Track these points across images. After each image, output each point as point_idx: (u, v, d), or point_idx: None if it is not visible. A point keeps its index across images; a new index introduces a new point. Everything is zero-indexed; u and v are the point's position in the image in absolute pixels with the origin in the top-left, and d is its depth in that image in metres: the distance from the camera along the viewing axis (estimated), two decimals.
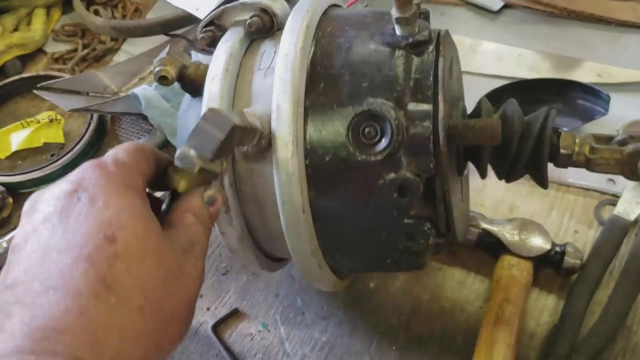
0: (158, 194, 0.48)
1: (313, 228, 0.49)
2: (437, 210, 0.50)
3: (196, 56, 0.83)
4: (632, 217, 0.71)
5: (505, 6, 0.95)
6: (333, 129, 0.47)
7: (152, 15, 0.99)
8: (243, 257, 0.54)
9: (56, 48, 0.96)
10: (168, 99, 0.78)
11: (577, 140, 0.54)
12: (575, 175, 0.76)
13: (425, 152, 0.46)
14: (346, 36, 0.50)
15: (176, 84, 0.75)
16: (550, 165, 0.74)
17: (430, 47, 0.48)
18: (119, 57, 0.94)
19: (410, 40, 0.48)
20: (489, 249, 0.69)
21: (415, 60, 0.48)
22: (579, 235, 0.72)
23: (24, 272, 0.35)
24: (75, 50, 0.93)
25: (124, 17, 0.97)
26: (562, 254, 0.66)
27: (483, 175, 0.56)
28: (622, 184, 0.75)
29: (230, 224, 0.51)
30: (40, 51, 0.97)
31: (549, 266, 0.67)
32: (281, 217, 0.48)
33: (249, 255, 0.54)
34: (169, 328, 0.38)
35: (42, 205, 0.38)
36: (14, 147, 0.84)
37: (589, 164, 0.55)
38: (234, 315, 0.68)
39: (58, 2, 0.99)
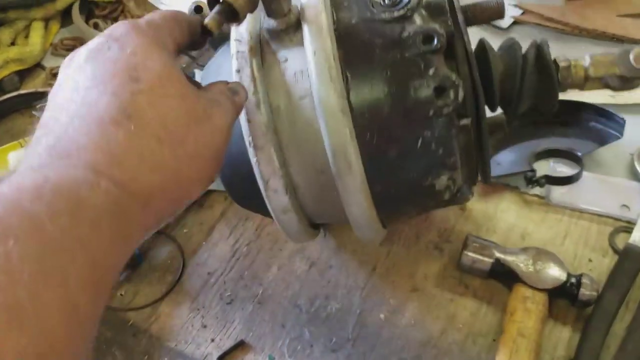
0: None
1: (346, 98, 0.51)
2: (459, 70, 0.52)
3: (199, 75, 0.81)
4: None
5: (515, 23, 0.93)
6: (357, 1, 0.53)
7: None
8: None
9: (55, 62, 0.94)
10: None
11: (571, 60, 0.61)
12: (589, 201, 0.74)
13: (443, 11, 0.52)
14: None
15: None
16: (562, 189, 0.73)
17: None
18: None
19: None
20: (502, 279, 0.68)
21: None
22: (593, 264, 0.70)
23: (53, 110, 0.38)
24: None
25: None
26: (578, 285, 0.65)
27: (493, 107, 0.60)
28: (637, 210, 0.73)
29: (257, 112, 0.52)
30: (38, 66, 0.94)
31: (564, 297, 0.65)
32: (315, 82, 0.50)
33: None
34: (190, 167, 0.40)
35: (77, 56, 0.41)
36: (12, 168, 0.81)
37: (587, 74, 0.60)
38: (240, 347, 0.66)
39: (57, 15, 0.97)
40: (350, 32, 0.52)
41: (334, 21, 0.52)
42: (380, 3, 0.52)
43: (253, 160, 0.53)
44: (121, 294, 0.71)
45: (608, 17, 0.93)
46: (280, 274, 0.71)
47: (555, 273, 0.65)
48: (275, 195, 0.54)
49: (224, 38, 0.58)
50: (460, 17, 0.53)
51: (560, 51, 0.82)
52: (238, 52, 0.53)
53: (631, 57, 0.58)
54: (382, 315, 0.67)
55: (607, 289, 0.66)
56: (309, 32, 0.51)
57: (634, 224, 0.72)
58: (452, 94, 0.50)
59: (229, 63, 0.54)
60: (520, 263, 0.66)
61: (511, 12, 0.93)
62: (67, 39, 0.96)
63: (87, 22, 0.94)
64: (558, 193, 0.75)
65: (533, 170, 0.74)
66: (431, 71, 0.50)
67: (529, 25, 0.92)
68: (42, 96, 0.87)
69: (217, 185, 0.75)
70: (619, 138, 0.76)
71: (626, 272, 0.67)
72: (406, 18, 0.51)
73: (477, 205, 0.75)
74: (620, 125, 0.76)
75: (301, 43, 0.52)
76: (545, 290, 0.65)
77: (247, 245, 0.74)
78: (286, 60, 0.53)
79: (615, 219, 0.73)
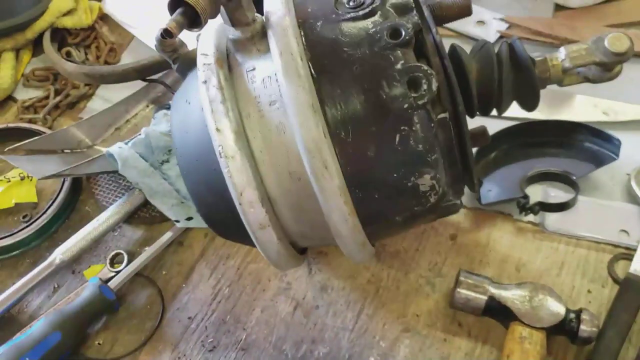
0: None
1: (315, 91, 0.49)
2: (431, 62, 0.51)
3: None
4: None
5: (502, 37, 0.89)
6: (320, 5, 0.53)
7: (128, 55, 0.93)
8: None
9: (26, 95, 0.90)
10: (145, 157, 0.72)
11: (546, 55, 0.59)
12: (586, 227, 0.71)
13: (408, 8, 0.52)
14: None
15: (152, 140, 0.70)
16: (557, 215, 0.70)
17: None
18: (94, 103, 0.88)
19: None
20: (497, 317, 0.64)
21: None
22: (592, 295, 0.67)
23: None
24: (47, 97, 0.87)
25: (98, 57, 0.91)
26: (578, 321, 0.61)
27: (471, 112, 0.58)
28: (636, 236, 0.70)
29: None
30: (10, 98, 0.91)
31: (563, 334, 0.62)
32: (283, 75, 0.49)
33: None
34: None
35: None
36: None
37: (564, 67, 0.58)
38: None
39: (28, 44, 0.93)
40: (316, 33, 0.52)
41: (299, 24, 0.52)
42: (345, 5, 0.53)
43: (225, 171, 0.50)
44: (99, 343, 0.68)
45: (597, 29, 0.90)
46: (263, 317, 0.68)
47: (553, 309, 0.62)
48: (250, 208, 0.50)
49: (192, 65, 0.57)
50: (426, 12, 0.53)
51: None
52: (204, 64, 0.52)
53: (606, 42, 0.56)
54: (371, 358, 0.64)
55: (608, 324, 0.63)
56: (273, 35, 0.50)
57: (634, 250, 0.69)
58: (425, 85, 0.49)
59: (196, 80, 0.52)
60: (516, 300, 0.63)
61: (497, 27, 0.90)
62: (38, 69, 0.92)
63: (59, 50, 0.90)
64: (553, 220, 0.71)
65: (526, 197, 0.71)
66: (401, 64, 0.49)
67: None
68: (13, 132, 0.83)
69: (196, 222, 0.72)
70: (615, 159, 0.73)
71: (627, 305, 0.64)
72: (372, 15, 0.52)
73: (468, 235, 0.72)
74: (616, 146, 0.73)
75: (268, 50, 0.51)
76: (543, 329, 0.61)
77: (229, 287, 0.70)
78: (253, 69, 0.52)
79: (614, 246, 0.70)
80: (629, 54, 0.56)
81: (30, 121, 0.85)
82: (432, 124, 0.50)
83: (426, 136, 0.49)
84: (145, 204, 0.74)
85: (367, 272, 0.70)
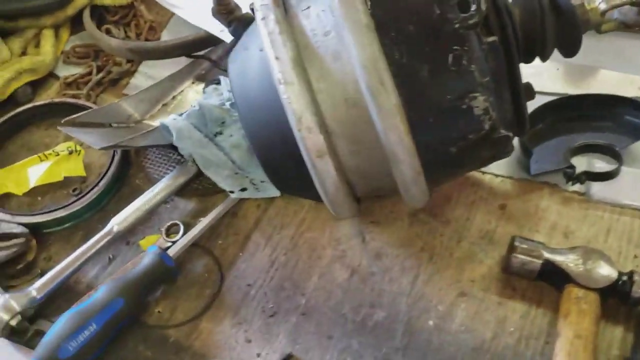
0: None
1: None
2: None
3: (224, 81, 0.79)
4: None
5: None
6: None
7: (167, 33, 0.93)
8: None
9: (67, 71, 0.91)
10: (199, 128, 0.73)
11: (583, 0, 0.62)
12: (630, 196, 0.73)
13: None
14: None
15: (205, 112, 0.72)
16: (602, 185, 0.72)
17: None
18: (137, 80, 0.89)
19: None
20: (551, 280, 0.66)
21: None
22: (637, 261, 0.69)
23: None
24: (89, 73, 0.88)
25: (138, 35, 0.92)
26: (630, 282, 0.63)
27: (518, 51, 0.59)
28: None
29: None
30: (51, 75, 0.91)
31: (616, 297, 0.64)
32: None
33: None
34: None
35: None
36: (33, 183, 0.78)
37: (602, 10, 0.62)
38: None
39: (67, 22, 0.94)
40: None
41: None
42: None
43: (284, 97, 0.52)
44: (159, 311, 0.69)
45: None
46: (321, 283, 0.69)
47: (606, 272, 0.64)
48: (309, 134, 0.53)
49: (247, 26, 0.62)
50: None
51: (587, 45, 0.81)
52: (262, 5, 0.55)
53: None
54: (431, 322, 0.66)
55: None
56: None
57: None
58: (474, 5, 0.52)
59: (255, 34, 0.56)
60: (571, 263, 0.65)
61: None
62: (79, 46, 0.93)
63: (98, 27, 0.91)
64: (598, 189, 0.73)
65: (572, 167, 0.73)
66: None
67: None
68: (58, 107, 0.84)
69: (250, 193, 0.73)
70: None
71: None
72: None
73: (517, 204, 0.74)
74: None
75: None
76: (597, 290, 0.64)
77: (285, 255, 0.72)
78: (308, 7, 0.55)
79: None
80: None
81: (73, 97, 0.85)
82: (483, 46, 0.53)
83: (478, 57, 0.52)
84: (198, 176, 0.75)
85: (420, 240, 0.72)
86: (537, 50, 0.62)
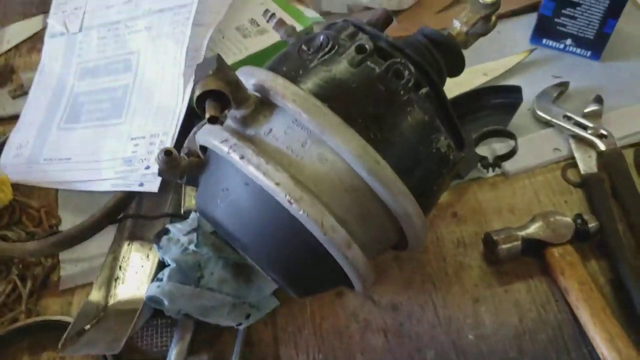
0: None
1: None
2: (395, 55, 0.64)
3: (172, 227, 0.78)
4: (595, 169, 0.85)
5: None
6: (291, 62, 0.64)
7: (65, 212, 0.88)
8: None
9: None
10: (185, 282, 0.72)
11: (449, 31, 0.76)
12: (532, 159, 0.88)
13: (356, 32, 0.65)
14: None
15: (182, 264, 0.72)
16: (510, 162, 0.86)
17: None
18: (67, 271, 0.82)
19: None
20: (531, 252, 0.78)
21: None
22: (570, 204, 0.84)
23: None
24: (14, 289, 0.80)
25: (37, 227, 0.86)
26: (583, 222, 0.78)
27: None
28: (564, 147, 0.89)
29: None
30: None
31: (579, 240, 0.78)
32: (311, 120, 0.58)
33: None
34: None
35: None
36: None
37: (464, 32, 0.75)
38: None
39: None
40: (305, 79, 0.62)
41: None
42: (308, 52, 0.64)
43: (300, 213, 0.57)
44: None
45: (433, 17, 1.09)
46: (367, 356, 0.73)
47: (566, 224, 0.78)
48: (334, 232, 0.58)
49: (201, 169, 0.66)
50: (368, 28, 0.67)
51: None
52: (231, 146, 0.59)
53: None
54: (470, 336, 0.74)
55: (599, 215, 0.80)
56: (277, 93, 0.59)
57: (571, 158, 0.88)
58: (406, 71, 0.63)
59: (227, 167, 0.60)
60: (540, 231, 0.77)
61: None
62: None
63: None
64: (510, 165, 0.87)
65: (485, 157, 0.86)
66: (379, 67, 0.62)
67: None
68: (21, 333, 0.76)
69: (255, 316, 0.75)
70: (521, 101, 0.91)
71: (599, 196, 0.82)
72: (335, 47, 0.63)
73: (463, 207, 0.85)
74: (518, 91, 0.91)
75: (274, 111, 0.61)
76: (568, 242, 0.77)
77: (320, 352, 0.74)
78: (270, 130, 0.61)
79: (556, 162, 0.89)
80: (498, 2, 0.75)
81: (13, 319, 0.77)
82: (423, 99, 0.64)
83: (424, 108, 0.63)
84: (199, 331, 0.74)
85: (417, 276, 0.79)
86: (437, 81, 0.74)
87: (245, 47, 0.91)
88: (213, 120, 0.55)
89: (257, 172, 0.57)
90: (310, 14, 0.98)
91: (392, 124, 0.61)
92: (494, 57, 1.02)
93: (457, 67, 0.76)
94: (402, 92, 0.62)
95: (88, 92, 0.92)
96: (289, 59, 0.65)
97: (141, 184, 0.79)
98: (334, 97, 0.60)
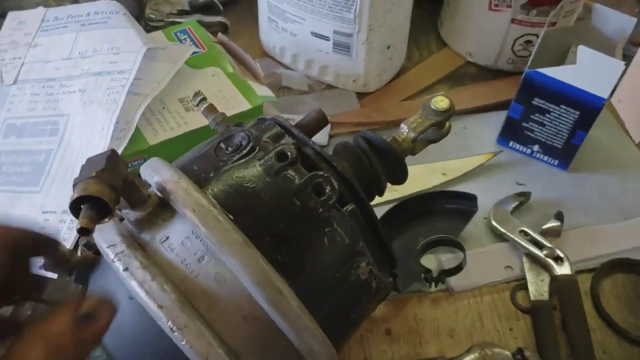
0: None
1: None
2: (320, 168, 0.57)
3: None
4: (547, 295, 0.78)
5: (331, 137, 0.98)
6: (205, 161, 0.57)
7: None
8: None
9: None
10: None
11: (393, 134, 0.68)
12: (480, 276, 0.81)
13: (281, 135, 0.59)
14: None
15: None
16: (456, 276, 0.78)
17: None
18: None
19: None
20: None
21: None
22: (515, 332, 0.77)
23: None
24: None
25: None
26: None
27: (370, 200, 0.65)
28: (517, 266, 0.82)
29: None
30: None
31: None
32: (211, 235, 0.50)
33: None
34: None
35: None
36: None
37: (412, 137, 0.68)
38: None
39: None
40: (213, 183, 0.54)
41: (194, 181, 0.54)
42: (225, 151, 0.57)
43: (182, 343, 0.48)
44: None
45: (397, 104, 1.03)
46: None
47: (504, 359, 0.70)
48: None
49: (92, 267, 0.57)
50: (295, 131, 0.59)
51: None
52: (117, 254, 0.51)
53: (432, 106, 0.69)
54: None
55: (543, 352, 0.72)
56: (177, 199, 0.52)
57: (523, 279, 0.81)
58: (327, 187, 0.55)
59: (112, 273, 0.52)
60: None
61: (325, 129, 0.97)
62: None
63: None
64: (454, 281, 0.80)
65: (429, 271, 0.78)
66: (299, 179, 0.55)
67: (343, 134, 0.98)
68: None
69: None
70: (476, 211, 0.85)
71: (545, 328, 0.75)
72: (254, 151, 0.56)
73: (398, 324, 0.77)
74: (473, 200, 0.85)
75: (174, 216, 0.53)
76: None
77: None
78: (167, 238, 0.53)
79: (507, 282, 0.81)
80: (452, 110, 0.69)
81: None
82: (346, 217, 0.57)
83: (346, 229, 0.56)
84: None
85: None
86: (376, 191, 0.67)
87: (185, 122, 0.85)
88: (84, 232, 0.47)
89: (139, 289, 0.49)
90: (262, 91, 0.92)
91: (305, 245, 0.54)
92: (457, 153, 0.96)
93: (398, 176, 0.69)
94: (320, 210, 0.55)
95: (10, 151, 0.84)
96: (203, 156, 0.58)
97: (42, 266, 0.71)
98: (242, 210, 0.53)
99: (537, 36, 1.00)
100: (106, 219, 0.50)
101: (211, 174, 0.55)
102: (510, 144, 0.98)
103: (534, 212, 0.89)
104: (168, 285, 0.50)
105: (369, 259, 0.57)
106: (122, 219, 0.57)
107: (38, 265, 0.56)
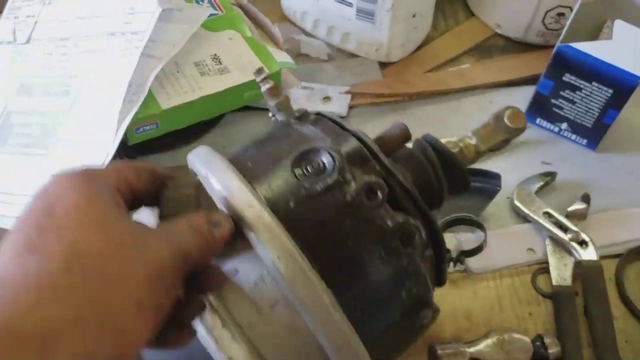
0: None
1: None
2: (408, 209, 0.50)
3: None
4: (569, 281, 0.75)
5: (351, 108, 0.94)
6: (280, 179, 0.47)
7: None
8: None
9: None
10: None
11: (457, 142, 0.62)
12: (501, 258, 0.78)
13: (366, 158, 0.50)
14: None
15: None
16: (476, 257, 0.75)
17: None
18: None
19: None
20: None
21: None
22: (534, 317, 0.74)
23: None
24: None
25: None
26: (543, 346, 0.68)
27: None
28: (540, 249, 0.79)
29: None
30: None
31: None
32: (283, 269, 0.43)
33: None
34: (113, 291, 0.35)
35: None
36: None
37: (478, 151, 0.62)
38: None
39: None
40: (296, 216, 0.45)
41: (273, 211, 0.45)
42: (304, 174, 0.47)
43: None
44: None
45: (421, 75, 0.99)
46: None
47: (522, 346, 0.67)
48: None
49: None
50: (381, 155, 0.51)
51: (399, 119, 0.85)
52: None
53: (506, 121, 0.62)
54: None
55: (563, 338, 0.70)
56: (258, 235, 0.43)
57: (544, 263, 0.77)
58: (417, 237, 0.49)
59: None
60: (492, 351, 0.67)
61: (344, 100, 0.94)
62: None
63: None
64: (474, 262, 0.77)
65: (448, 251, 0.75)
66: (388, 225, 0.47)
67: (364, 106, 0.94)
68: None
69: None
70: (499, 190, 0.81)
71: (567, 315, 0.72)
72: (339, 181, 0.47)
73: None
74: (497, 178, 0.81)
75: (246, 249, 0.46)
76: None
77: None
78: (237, 271, 0.49)
79: (528, 265, 0.78)
80: (525, 127, 0.63)
81: None
82: (425, 267, 0.51)
83: (423, 280, 0.50)
84: None
85: None
86: (435, 202, 0.60)
87: (200, 86, 0.82)
88: None
89: (208, 338, 0.46)
90: (281, 57, 0.88)
91: (384, 302, 0.48)
92: (466, 125, 0.91)
93: (458, 188, 0.62)
94: (405, 264, 0.48)
95: (21, 111, 0.82)
96: (278, 171, 0.48)
97: None
98: (325, 255, 0.45)
99: (571, 9, 0.95)
100: None
101: (290, 203, 0.46)
102: (538, 121, 0.94)
103: (559, 193, 0.86)
104: (239, 335, 0.46)
105: (434, 305, 0.53)
106: None
107: None
